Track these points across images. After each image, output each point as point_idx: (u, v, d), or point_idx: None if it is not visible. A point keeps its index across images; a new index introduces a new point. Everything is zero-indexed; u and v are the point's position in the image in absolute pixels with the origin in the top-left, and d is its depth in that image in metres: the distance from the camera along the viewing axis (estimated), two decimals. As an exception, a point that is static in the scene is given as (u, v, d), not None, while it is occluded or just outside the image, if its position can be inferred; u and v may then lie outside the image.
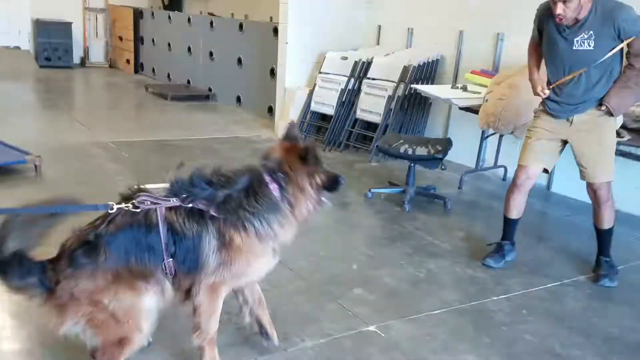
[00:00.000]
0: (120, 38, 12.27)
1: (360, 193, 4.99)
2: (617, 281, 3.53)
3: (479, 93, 5.12)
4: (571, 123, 3.44)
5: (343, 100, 6.59)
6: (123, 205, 2.19)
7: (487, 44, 5.80)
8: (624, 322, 3.13)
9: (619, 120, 4.17)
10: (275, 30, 7.30)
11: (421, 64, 6.16)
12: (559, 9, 3.15)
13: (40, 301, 2.18)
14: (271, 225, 2.30)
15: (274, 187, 2.30)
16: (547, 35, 3.44)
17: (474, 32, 5.95)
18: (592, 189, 3.53)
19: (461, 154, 5.90)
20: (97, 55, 12.72)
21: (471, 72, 5.63)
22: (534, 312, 3.18)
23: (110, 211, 2.20)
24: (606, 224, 3.57)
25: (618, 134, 4.21)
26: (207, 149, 6.23)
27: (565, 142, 3.55)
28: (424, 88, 5.68)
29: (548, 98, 3.49)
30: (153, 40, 11.37)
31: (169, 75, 10.84)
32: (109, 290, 2.19)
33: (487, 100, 4.76)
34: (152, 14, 11.48)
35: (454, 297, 3.29)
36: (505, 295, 3.35)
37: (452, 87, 5.63)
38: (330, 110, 6.69)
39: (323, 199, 2.44)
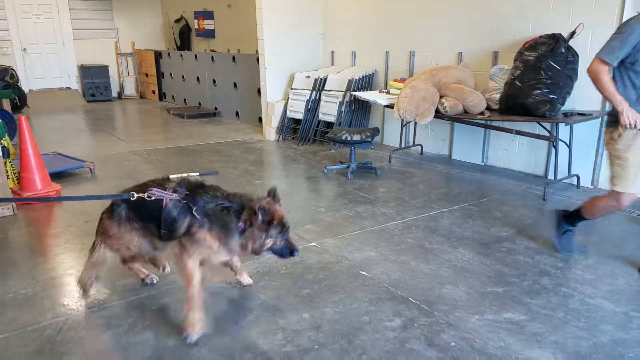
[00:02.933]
0: (146, 74, 12.75)
1: (320, 170, 5.78)
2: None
3: (397, 94, 5.83)
4: None
5: (309, 107, 7.19)
6: (141, 194, 2.53)
7: (404, 59, 6.56)
8: (475, 229, 3.95)
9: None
10: (258, 60, 7.80)
11: (361, 77, 6.87)
12: None
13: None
14: (227, 243, 2.51)
15: (240, 225, 2.48)
16: None
17: (395, 51, 6.69)
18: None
19: (392, 138, 6.76)
20: (130, 89, 13.19)
21: (393, 80, 6.38)
22: (418, 228, 3.98)
23: (132, 199, 2.54)
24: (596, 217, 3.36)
25: (482, 114, 5.08)
26: (213, 150, 6.89)
27: None
28: (359, 94, 6.40)
29: None
30: (171, 74, 11.84)
31: (185, 100, 11.33)
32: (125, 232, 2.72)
33: (398, 98, 5.56)
34: (169, 54, 11.94)
35: (368, 224, 4.09)
36: (402, 220, 4.15)
37: (379, 92, 6.35)
38: (300, 116, 7.28)
39: (267, 250, 2.56)
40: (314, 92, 7.21)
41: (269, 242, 2.52)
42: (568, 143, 4.68)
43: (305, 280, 3.19)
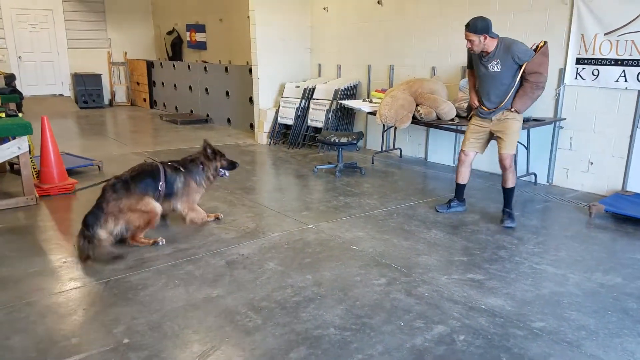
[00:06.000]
0: (138, 83, 13.28)
1: (310, 170, 6.45)
2: (516, 222, 4.35)
3: (378, 103, 6.59)
4: (491, 120, 4.37)
5: (298, 114, 7.84)
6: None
7: (384, 71, 7.30)
8: (446, 215, 4.65)
9: (520, 118, 4.43)
10: (250, 70, 8.47)
11: (346, 87, 7.58)
12: (468, 44, 4.12)
13: (103, 220, 3.68)
14: (199, 180, 4.29)
15: (201, 167, 4.29)
16: (476, 65, 4.28)
17: (376, 65, 7.42)
18: (501, 159, 4.33)
19: (374, 142, 7.47)
20: (121, 97, 13.69)
21: (375, 91, 7.11)
22: (398, 215, 4.65)
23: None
24: (508, 184, 4.39)
25: (452, 120, 5.82)
26: (209, 152, 7.57)
27: (491, 133, 4.40)
28: (345, 102, 7.10)
29: (477, 107, 4.40)
30: (162, 83, 12.37)
31: (176, 108, 11.85)
32: (139, 201, 3.85)
33: (379, 106, 6.26)
34: (161, 64, 12.48)
35: (356, 212, 4.76)
36: (385, 209, 4.84)
37: (363, 101, 7.07)
38: (290, 122, 7.91)
39: (224, 172, 4.43)
40: (303, 101, 7.87)
41: (219, 164, 4.37)
42: (526, 145, 5.45)
43: (305, 253, 3.83)
